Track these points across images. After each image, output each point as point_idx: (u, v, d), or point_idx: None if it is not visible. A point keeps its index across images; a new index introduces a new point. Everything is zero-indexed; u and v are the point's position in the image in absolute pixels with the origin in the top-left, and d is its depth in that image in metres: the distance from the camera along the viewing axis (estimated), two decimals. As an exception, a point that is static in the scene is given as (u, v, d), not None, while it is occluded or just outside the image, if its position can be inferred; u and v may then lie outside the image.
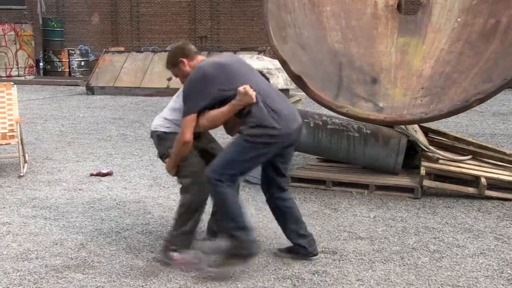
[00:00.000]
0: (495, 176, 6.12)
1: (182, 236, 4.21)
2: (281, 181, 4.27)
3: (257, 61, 11.79)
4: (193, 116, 3.98)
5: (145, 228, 5.04)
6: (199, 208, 4.22)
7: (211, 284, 3.93)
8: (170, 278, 4.02)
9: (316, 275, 4.04)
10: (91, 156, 7.98)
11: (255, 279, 3.97)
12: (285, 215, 4.30)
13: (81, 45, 23.21)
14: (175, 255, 4.14)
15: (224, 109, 3.95)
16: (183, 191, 4.23)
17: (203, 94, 3.96)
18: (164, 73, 15.55)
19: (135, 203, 5.79)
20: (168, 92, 14.83)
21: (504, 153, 6.65)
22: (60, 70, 21.00)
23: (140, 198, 5.99)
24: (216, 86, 3.96)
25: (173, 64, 4.27)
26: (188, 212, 4.19)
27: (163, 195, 6.10)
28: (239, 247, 3.97)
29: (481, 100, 5.79)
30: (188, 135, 3.98)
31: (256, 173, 6.47)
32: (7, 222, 5.22)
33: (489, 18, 6.30)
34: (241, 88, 3.87)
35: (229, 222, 4.01)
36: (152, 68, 15.83)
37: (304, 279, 3.98)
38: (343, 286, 3.88)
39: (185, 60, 4.19)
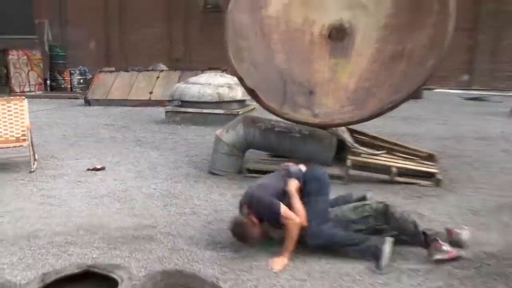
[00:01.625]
0: (403, 166, 6.26)
1: None
2: None
3: (220, 78, 11.88)
4: None
5: (130, 212, 5.08)
6: None
7: (187, 253, 3.98)
8: (151, 250, 4.08)
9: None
10: (88, 154, 7.92)
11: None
12: None
13: (80, 66, 22.89)
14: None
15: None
16: None
17: None
18: (146, 87, 15.49)
19: (123, 192, 5.81)
20: (149, 103, 14.75)
21: (409, 148, 6.80)
22: (63, 86, 20.87)
23: (127, 187, 6.00)
24: None
25: (249, 238, 3.90)
26: None
27: (145, 184, 6.12)
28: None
29: (392, 108, 5.93)
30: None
31: (219, 165, 6.57)
32: (21, 208, 5.21)
33: (397, 45, 6.38)
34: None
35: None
36: (137, 84, 15.68)
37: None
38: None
39: (255, 233, 3.86)
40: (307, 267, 3.73)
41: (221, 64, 14.76)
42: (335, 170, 6.23)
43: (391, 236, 3.92)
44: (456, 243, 4.00)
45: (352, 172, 6.14)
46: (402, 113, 12.42)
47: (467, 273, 3.65)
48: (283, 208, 3.81)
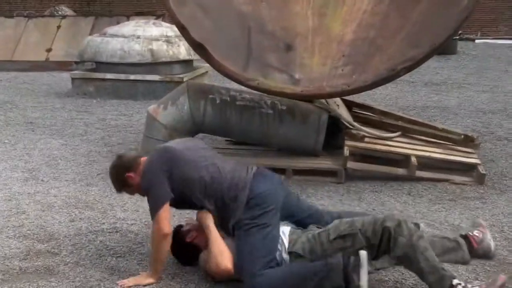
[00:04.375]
0: (427, 154, 6.28)
1: None
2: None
3: (154, 28, 11.72)
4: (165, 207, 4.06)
5: (18, 231, 4.92)
6: None
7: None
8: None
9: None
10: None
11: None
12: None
13: None
14: None
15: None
16: None
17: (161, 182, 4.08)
18: (42, 43, 15.21)
19: (5, 202, 5.63)
20: (47, 66, 14.46)
21: (437, 128, 6.83)
22: None
23: (12, 195, 5.83)
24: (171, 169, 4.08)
25: (122, 185, 4.31)
26: None
27: (41, 190, 5.97)
28: None
29: (409, 69, 5.92)
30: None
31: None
32: None
33: None
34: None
35: None
36: (26, 38, 15.40)
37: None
38: None
39: (131, 174, 4.20)
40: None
41: (154, 8, 14.60)
42: (326, 162, 6.25)
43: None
44: (484, 254, 4.18)
45: (352, 164, 6.13)
46: (426, 76, 12.57)
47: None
48: (162, 213, 4.00)
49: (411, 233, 3.69)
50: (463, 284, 3.64)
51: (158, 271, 4.09)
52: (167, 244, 4.04)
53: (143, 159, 4.25)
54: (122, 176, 4.23)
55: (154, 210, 4.01)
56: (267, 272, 3.78)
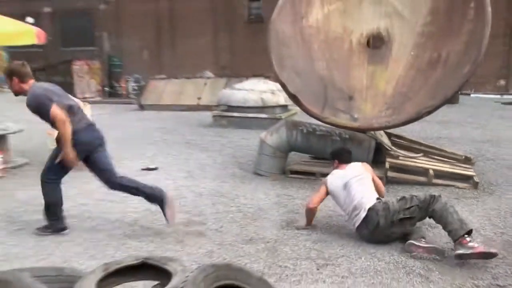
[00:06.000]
0: (440, 168, 6.18)
1: None
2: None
3: (263, 84, 11.93)
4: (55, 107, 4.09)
5: (182, 209, 5.12)
6: None
7: (234, 248, 4.02)
8: (200, 245, 4.11)
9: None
10: (141, 156, 8.04)
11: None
12: None
13: (135, 74, 23.50)
14: None
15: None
16: None
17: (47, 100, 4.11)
18: (195, 93, 15.63)
19: (174, 190, 5.83)
20: (198, 107, 14.90)
21: (446, 151, 6.72)
22: (119, 92, 21.49)
23: (178, 186, 6.08)
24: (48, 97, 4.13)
25: (8, 76, 4.25)
26: None
27: (194, 184, 6.19)
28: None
29: (429, 113, 5.83)
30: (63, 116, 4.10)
31: (263, 166, 6.60)
32: (84, 203, 5.32)
33: (433, 52, 6.29)
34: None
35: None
36: (186, 90, 15.89)
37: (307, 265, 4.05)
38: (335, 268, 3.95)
39: (16, 79, 4.20)
40: (348, 264, 3.71)
41: (265, 71, 14.78)
42: (374, 172, 6.16)
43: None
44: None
45: (391, 174, 6.06)
46: (438, 117, 12.11)
47: (499, 271, 3.56)
48: (54, 109, 4.05)
49: (448, 203, 3.87)
50: (469, 239, 3.64)
51: (69, 145, 4.17)
52: (67, 127, 4.09)
53: (32, 81, 4.22)
54: (11, 75, 4.20)
55: (49, 112, 4.05)
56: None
